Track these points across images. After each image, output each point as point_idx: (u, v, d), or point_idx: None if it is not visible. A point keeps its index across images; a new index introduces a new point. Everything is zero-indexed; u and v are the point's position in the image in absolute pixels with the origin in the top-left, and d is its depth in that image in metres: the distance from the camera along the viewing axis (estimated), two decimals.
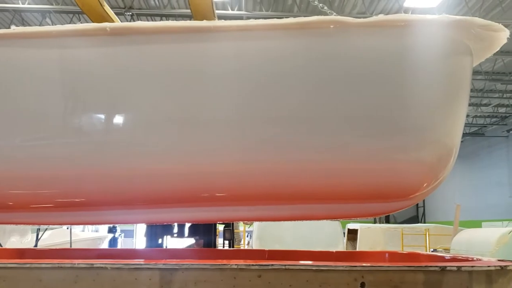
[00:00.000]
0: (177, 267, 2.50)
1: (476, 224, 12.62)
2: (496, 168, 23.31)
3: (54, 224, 3.25)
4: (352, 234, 15.03)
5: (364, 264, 2.54)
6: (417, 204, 28.48)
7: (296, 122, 2.80)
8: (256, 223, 12.31)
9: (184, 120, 2.82)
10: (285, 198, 3.08)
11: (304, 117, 2.80)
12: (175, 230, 4.96)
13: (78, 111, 2.85)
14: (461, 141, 3.18)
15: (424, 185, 3.06)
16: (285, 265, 2.49)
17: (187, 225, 4.93)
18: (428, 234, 13.74)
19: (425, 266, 2.48)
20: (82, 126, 2.83)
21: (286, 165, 2.88)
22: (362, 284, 2.44)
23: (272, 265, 2.50)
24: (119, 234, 20.98)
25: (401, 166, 2.91)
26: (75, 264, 2.52)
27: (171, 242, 5.34)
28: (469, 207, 18.64)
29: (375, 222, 23.79)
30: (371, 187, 2.98)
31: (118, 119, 2.86)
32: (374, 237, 14.46)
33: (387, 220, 26.34)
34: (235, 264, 2.54)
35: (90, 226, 18.72)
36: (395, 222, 24.38)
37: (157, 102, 2.82)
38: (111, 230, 19.70)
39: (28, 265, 2.49)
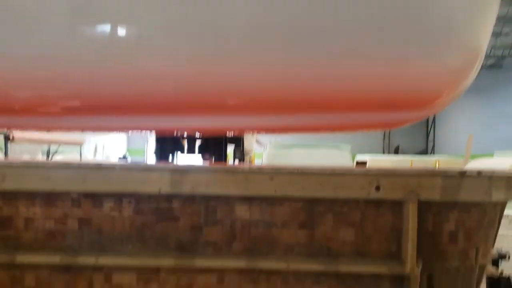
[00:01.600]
0: (188, 169, 2.44)
1: (487, 157, 12.54)
2: (511, 102, 22.92)
3: (61, 130, 3.21)
4: (361, 166, 15.04)
5: (380, 168, 2.46)
6: (427, 138, 28.35)
7: (308, 22, 2.64)
8: (265, 152, 12.30)
9: (194, 20, 2.67)
10: (297, 106, 2.96)
11: (317, 16, 2.63)
12: (185, 147, 4.91)
13: (85, 6, 2.69)
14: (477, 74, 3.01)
15: (444, 93, 2.92)
16: (298, 168, 2.42)
17: (197, 142, 4.86)
18: (439, 166, 13.69)
19: (444, 171, 2.40)
20: (90, 21, 2.68)
21: (298, 70, 2.74)
22: (377, 188, 2.37)
23: (285, 168, 2.43)
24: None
25: (420, 71, 2.76)
26: (82, 163, 2.46)
27: (181, 159, 5.31)
28: (481, 141, 18.49)
29: (383, 153, 23.82)
30: (388, 94, 2.84)
31: (128, 16, 2.71)
32: None
33: (396, 153, 26.33)
34: (247, 167, 2.47)
35: (100, 154, 18.88)
36: (404, 155, 24.36)
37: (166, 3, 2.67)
38: (123, 158, 19.90)
39: (34, 164, 2.44)
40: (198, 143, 4.83)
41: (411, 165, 14.26)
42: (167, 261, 2.46)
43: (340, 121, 3.19)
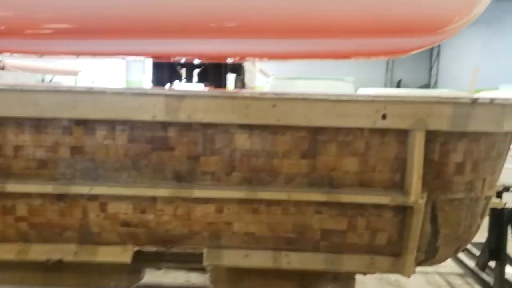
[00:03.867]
0: (184, 94, 2.30)
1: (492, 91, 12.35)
2: None
3: (50, 54, 3.04)
4: None
5: (387, 96, 2.32)
6: (430, 71, 27.93)
7: None
8: (267, 84, 12.12)
9: None
10: (304, 30, 2.78)
11: None
12: (183, 75, 4.74)
13: None
14: None
15: (456, 17, 2.73)
16: (301, 94, 2.28)
17: (196, 70, 4.69)
18: None
19: (455, 98, 2.26)
20: None
21: None
22: (384, 116, 2.24)
23: (288, 94, 2.29)
24: None
25: None
26: (72, 87, 2.32)
27: (179, 88, 5.16)
28: (487, 75, 18.18)
29: (386, 87, 23.57)
30: (398, 18, 2.66)
31: None
32: None
33: (398, 86, 26.02)
34: (248, 93, 2.34)
35: (98, 84, 18.63)
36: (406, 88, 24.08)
37: None
38: None
39: (20, 87, 2.30)
40: (196, 71, 4.66)
41: None
42: (163, 191, 2.38)
43: (345, 47, 3.02)
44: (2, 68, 9.05)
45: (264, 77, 11.79)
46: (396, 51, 3.13)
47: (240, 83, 5.50)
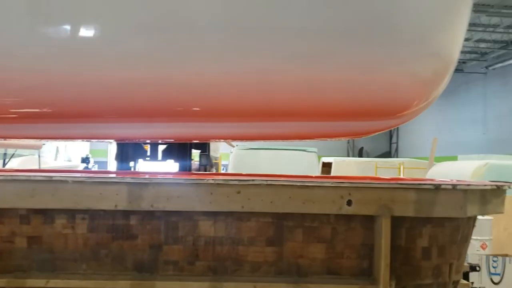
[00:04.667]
0: (147, 182, 2.26)
1: (451, 159, 12.74)
2: (472, 105, 23.44)
3: (18, 138, 2.97)
4: (326, 168, 15.03)
5: (352, 181, 2.34)
6: (390, 140, 28.74)
7: (276, 27, 2.50)
8: (232, 154, 12.13)
9: (156, 26, 2.50)
10: (265, 114, 2.82)
11: (285, 22, 2.50)
12: (148, 153, 4.70)
13: (43, 10, 2.49)
14: None
15: (415, 102, 2.83)
16: (266, 180, 2.27)
17: (161, 147, 4.66)
18: (403, 168, 13.81)
19: (418, 184, 2.30)
20: (48, 25, 2.48)
21: (266, 76, 2.60)
22: (349, 202, 2.24)
23: (253, 180, 2.28)
24: (93, 165, 20.68)
25: (392, 80, 2.67)
26: (31, 176, 2.25)
27: (143, 166, 5.11)
28: (444, 144, 18.80)
29: (348, 156, 24.01)
30: (358, 103, 2.74)
31: (87, 21, 2.51)
32: (348, 170, 14.47)
33: (360, 155, 26.57)
34: (212, 179, 2.31)
35: (62, 155, 18.32)
36: (368, 157, 24.61)
37: (127, 5, 2.49)
38: (84, 160, 19.37)
39: None
40: (161, 148, 4.64)
41: (376, 167, 14.36)
42: (124, 283, 2.27)
43: (307, 130, 3.06)
44: None
45: (229, 146, 11.84)
46: (357, 133, 3.20)
47: (205, 158, 5.50)
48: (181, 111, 2.77)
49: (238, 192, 2.23)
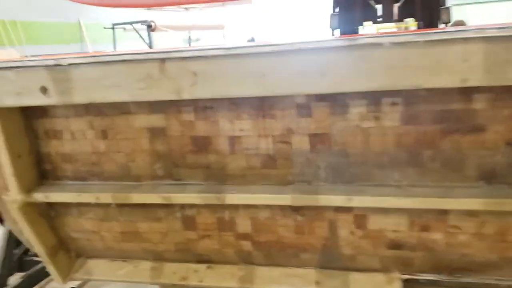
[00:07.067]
0: None
1: None
2: None
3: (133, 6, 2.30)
4: None
5: None
6: None
7: None
8: None
9: None
10: None
11: None
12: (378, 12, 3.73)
13: None
14: None
15: None
16: None
17: (396, 4, 3.64)
18: None
19: None
20: None
21: None
22: None
23: None
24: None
25: None
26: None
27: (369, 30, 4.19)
28: None
29: None
30: None
31: None
32: None
33: None
34: None
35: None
36: None
37: None
38: (251, 40, 18.97)
39: None
40: (396, 5, 3.59)
41: None
42: (463, 202, 1.46)
43: None
44: (153, 30, 8.86)
45: None
46: None
47: (446, 14, 4.25)
48: None
49: None
